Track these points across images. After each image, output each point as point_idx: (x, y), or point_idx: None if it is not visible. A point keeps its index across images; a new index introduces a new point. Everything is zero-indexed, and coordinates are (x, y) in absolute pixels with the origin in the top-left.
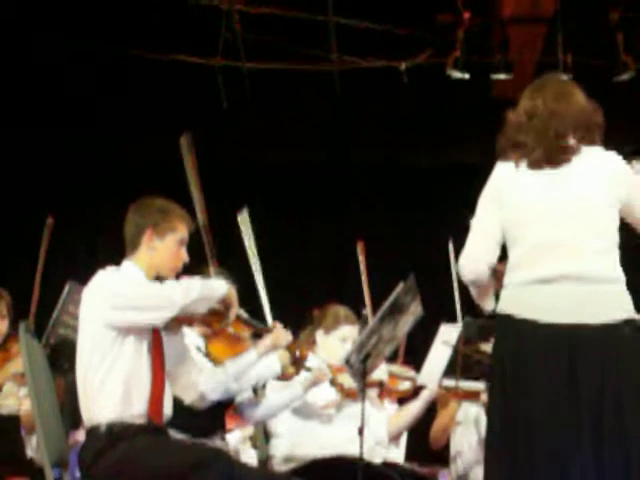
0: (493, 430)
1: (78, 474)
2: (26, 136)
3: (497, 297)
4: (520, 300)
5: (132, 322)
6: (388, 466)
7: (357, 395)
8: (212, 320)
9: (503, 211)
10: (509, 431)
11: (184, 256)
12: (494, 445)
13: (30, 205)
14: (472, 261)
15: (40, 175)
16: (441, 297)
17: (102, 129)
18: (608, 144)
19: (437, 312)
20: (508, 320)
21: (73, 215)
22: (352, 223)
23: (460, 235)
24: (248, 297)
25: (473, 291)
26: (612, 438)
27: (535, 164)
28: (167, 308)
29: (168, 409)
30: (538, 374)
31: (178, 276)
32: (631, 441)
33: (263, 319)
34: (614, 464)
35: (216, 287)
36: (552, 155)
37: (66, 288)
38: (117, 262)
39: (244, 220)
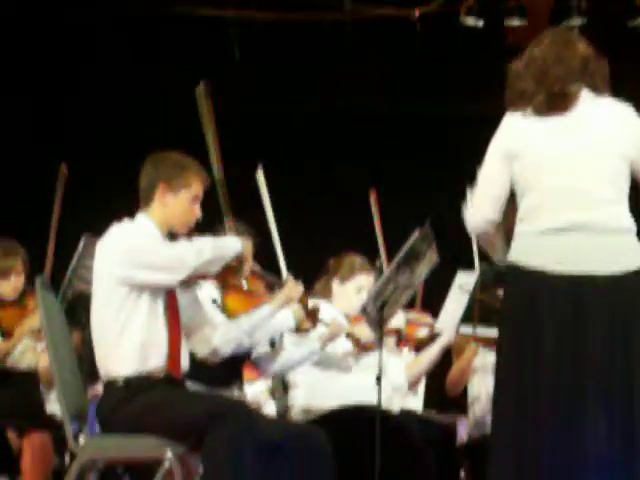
0: (502, 382)
1: (97, 427)
2: (41, 84)
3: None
4: (531, 250)
5: (143, 281)
6: (406, 414)
7: (374, 347)
8: (226, 275)
9: (513, 161)
10: (517, 375)
11: (197, 212)
12: (502, 392)
13: (43, 155)
14: (478, 217)
15: (54, 125)
16: (458, 244)
17: (117, 78)
18: (622, 90)
19: (454, 259)
20: (519, 270)
21: (88, 166)
22: (365, 171)
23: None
24: (263, 249)
25: (481, 243)
26: (621, 387)
27: (539, 110)
28: (178, 270)
29: (185, 362)
30: (548, 323)
31: (192, 231)
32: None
33: (278, 272)
34: (622, 412)
35: (228, 246)
36: (553, 101)
37: (82, 241)
38: (132, 214)
39: (259, 174)
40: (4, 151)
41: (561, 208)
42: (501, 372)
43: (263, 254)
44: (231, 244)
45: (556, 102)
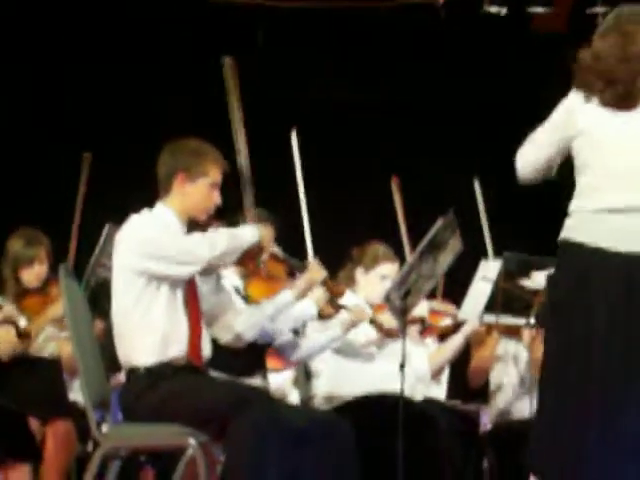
0: (551, 360)
1: (120, 416)
2: (65, 68)
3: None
4: (586, 228)
5: (159, 273)
6: (429, 403)
7: (397, 333)
8: (246, 263)
9: (574, 136)
10: (566, 359)
11: (217, 199)
12: (551, 373)
13: (67, 144)
14: (529, 170)
15: (78, 113)
16: (476, 234)
17: (141, 62)
18: None
19: (476, 248)
20: (572, 247)
21: (113, 154)
22: (388, 158)
23: (484, 174)
24: (290, 232)
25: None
26: None
27: (605, 104)
28: (193, 264)
29: (207, 350)
30: (599, 305)
31: (212, 218)
32: None
33: (305, 255)
34: None
35: (244, 237)
36: (619, 101)
37: (105, 230)
38: (153, 204)
39: (293, 140)
40: (29, 139)
41: (620, 189)
42: (550, 356)
43: (289, 238)
44: (248, 234)
45: (622, 102)
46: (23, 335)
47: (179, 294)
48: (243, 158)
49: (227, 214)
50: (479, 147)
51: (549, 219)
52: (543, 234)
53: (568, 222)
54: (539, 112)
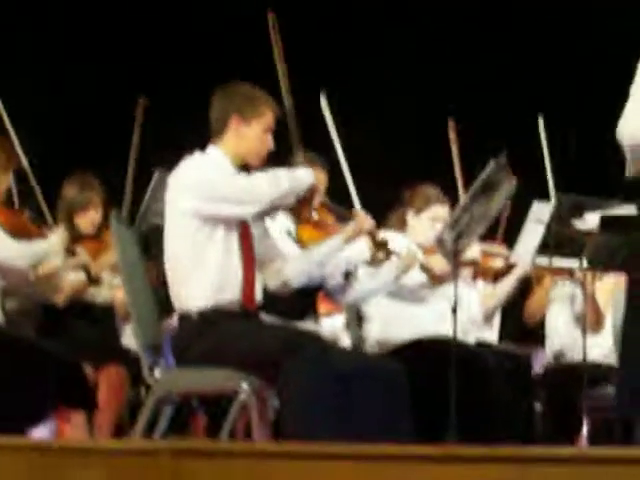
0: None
1: (172, 361)
2: (122, 13)
3: None
4: None
5: (217, 214)
6: (481, 346)
7: (448, 278)
8: (299, 207)
9: None
10: None
11: (270, 143)
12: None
13: (122, 88)
14: (631, 128)
15: (132, 57)
16: (535, 175)
17: (193, 11)
18: None
19: (530, 189)
20: None
21: (168, 98)
22: (442, 99)
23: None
24: (334, 182)
25: (627, 155)
26: None
27: None
28: (254, 202)
29: (259, 294)
30: None
31: (264, 163)
32: None
33: (350, 204)
34: None
35: (302, 178)
36: None
37: (155, 175)
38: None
39: (326, 103)
40: (84, 84)
41: None
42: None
43: (334, 186)
44: (304, 176)
45: None
46: (93, 281)
47: (234, 238)
48: (289, 104)
49: (277, 160)
50: (542, 84)
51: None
52: (606, 175)
53: None
54: (606, 48)
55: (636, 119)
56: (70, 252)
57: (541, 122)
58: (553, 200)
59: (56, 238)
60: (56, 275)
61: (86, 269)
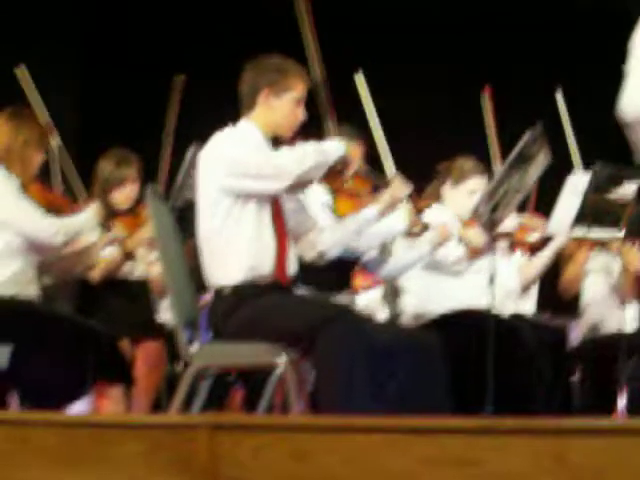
0: None
1: (209, 335)
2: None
3: None
4: None
5: (247, 190)
6: (518, 318)
7: (485, 252)
8: (334, 178)
9: None
10: None
11: (301, 115)
12: None
13: (160, 64)
14: (634, 104)
15: (170, 34)
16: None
17: None
18: None
19: (565, 161)
20: None
21: (204, 74)
22: (478, 69)
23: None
24: (369, 155)
25: (632, 135)
26: None
27: None
28: (282, 178)
29: (293, 267)
30: None
31: (295, 136)
32: None
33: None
34: None
35: (331, 151)
36: None
37: (190, 151)
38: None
39: (361, 77)
40: (121, 61)
41: None
42: None
43: (369, 160)
44: (333, 148)
45: None
46: (129, 257)
47: (266, 212)
48: (318, 74)
49: (309, 132)
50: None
51: None
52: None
53: None
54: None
55: (634, 98)
56: (106, 227)
57: (559, 95)
58: (589, 171)
59: (91, 213)
60: (91, 250)
61: (122, 244)
